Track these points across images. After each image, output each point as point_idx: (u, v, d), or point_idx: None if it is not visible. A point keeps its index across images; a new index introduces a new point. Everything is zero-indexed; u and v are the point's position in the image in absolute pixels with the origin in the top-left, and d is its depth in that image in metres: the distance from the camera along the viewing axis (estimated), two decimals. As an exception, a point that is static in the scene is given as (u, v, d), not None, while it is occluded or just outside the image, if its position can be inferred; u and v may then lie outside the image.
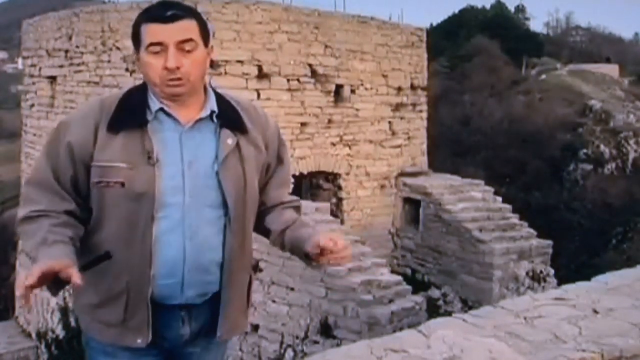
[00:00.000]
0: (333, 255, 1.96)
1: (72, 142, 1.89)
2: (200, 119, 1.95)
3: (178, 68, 1.86)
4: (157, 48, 1.85)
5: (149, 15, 1.88)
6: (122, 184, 1.86)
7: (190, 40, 1.87)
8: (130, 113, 1.91)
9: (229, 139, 1.96)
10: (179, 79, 1.87)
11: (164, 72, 1.86)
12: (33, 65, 13.84)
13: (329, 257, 1.97)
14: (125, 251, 1.89)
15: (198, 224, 1.92)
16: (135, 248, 1.89)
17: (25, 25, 14.59)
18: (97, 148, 1.88)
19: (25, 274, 1.70)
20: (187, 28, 1.88)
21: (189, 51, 1.87)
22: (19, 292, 1.69)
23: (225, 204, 1.94)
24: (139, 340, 1.95)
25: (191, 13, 1.91)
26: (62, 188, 1.92)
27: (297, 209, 2.22)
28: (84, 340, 2.13)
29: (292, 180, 11.71)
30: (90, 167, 1.89)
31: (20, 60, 25.67)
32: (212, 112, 1.97)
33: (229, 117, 1.99)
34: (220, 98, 2.03)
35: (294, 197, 2.23)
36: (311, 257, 2.02)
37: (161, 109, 1.92)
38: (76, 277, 1.72)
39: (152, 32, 1.86)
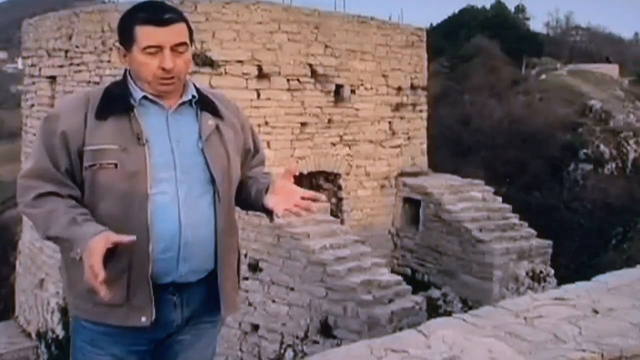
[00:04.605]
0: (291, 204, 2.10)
1: (65, 131, 1.96)
2: (183, 103, 2.07)
3: (172, 69, 1.98)
4: (154, 50, 1.96)
5: (145, 18, 1.96)
6: (115, 165, 1.95)
7: (184, 43, 2.00)
8: (116, 101, 2.01)
9: (210, 120, 2.09)
10: (172, 77, 2.00)
11: (159, 71, 1.98)
12: (33, 65, 13.84)
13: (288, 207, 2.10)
14: (123, 230, 1.93)
15: (191, 198, 2.02)
16: (132, 226, 1.95)
17: (25, 25, 14.58)
18: (87, 135, 1.96)
19: (91, 273, 1.80)
20: (181, 32, 2.00)
21: (181, 52, 1.99)
22: (99, 287, 1.80)
23: (212, 181, 2.05)
24: (143, 319, 2.00)
25: (182, 16, 2.03)
26: (62, 177, 1.98)
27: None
28: (74, 328, 2.12)
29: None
30: (82, 154, 1.96)
31: (20, 60, 25.67)
32: (193, 97, 2.09)
33: (206, 103, 2.13)
34: (196, 87, 2.15)
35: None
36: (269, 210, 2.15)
37: (144, 97, 2.03)
38: (125, 238, 1.85)
39: (150, 34, 1.95)
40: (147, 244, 1.96)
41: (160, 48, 1.95)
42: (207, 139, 2.06)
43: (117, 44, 2.04)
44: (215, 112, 2.12)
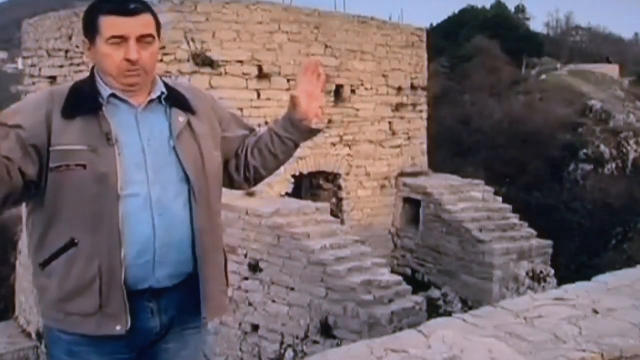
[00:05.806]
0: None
1: (21, 124, 1.84)
2: (152, 100, 2.00)
3: (137, 60, 1.90)
4: (118, 40, 1.89)
5: (110, 7, 1.89)
6: (84, 166, 1.86)
7: (150, 35, 1.93)
8: (83, 99, 1.93)
9: (180, 117, 2.01)
10: (137, 69, 1.92)
11: (124, 63, 1.90)
12: (33, 65, 13.83)
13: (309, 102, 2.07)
14: (92, 234, 1.87)
15: (165, 199, 1.93)
16: (103, 229, 1.87)
17: (25, 25, 14.57)
18: (53, 134, 1.87)
19: None
20: (147, 22, 1.93)
21: (147, 43, 1.93)
22: None
23: (187, 179, 1.97)
24: (117, 327, 1.92)
25: (148, 7, 1.96)
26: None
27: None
28: (50, 338, 2.05)
29: (292, 180, 11.73)
30: (41, 155, 1.86)
31: (20, 60, 25.69)
32: (162, 93, 2.02)
33: (176, 98, 2.05)
34: (165, 83, 2.08)
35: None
36: (299, 120, 2.10)
37: (112, 94, 1.95)
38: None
39: (114, 24, 1.88)
40: (119, 249, 1.87)
41: (125, 39, 1.88)
42: (178, 137, 1.98)
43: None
44: (186, 106, 2.04)
